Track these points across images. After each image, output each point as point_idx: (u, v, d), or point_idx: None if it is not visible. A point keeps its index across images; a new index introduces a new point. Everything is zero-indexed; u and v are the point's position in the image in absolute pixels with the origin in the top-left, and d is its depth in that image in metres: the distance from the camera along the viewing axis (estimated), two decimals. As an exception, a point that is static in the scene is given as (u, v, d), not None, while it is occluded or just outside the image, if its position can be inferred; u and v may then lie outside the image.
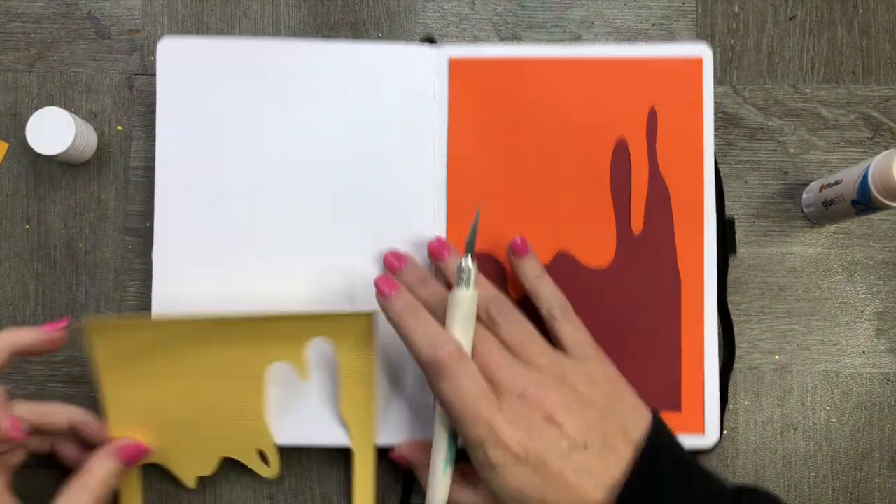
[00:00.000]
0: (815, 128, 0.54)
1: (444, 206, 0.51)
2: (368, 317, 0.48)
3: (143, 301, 0.53)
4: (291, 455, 0.52)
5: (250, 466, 0.51)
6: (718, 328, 0.52)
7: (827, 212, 0.50)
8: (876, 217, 0.53)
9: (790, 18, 0.54)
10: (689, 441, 0.49)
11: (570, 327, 0.46)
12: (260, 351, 0.49)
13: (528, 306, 0.48)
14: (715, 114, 0.54)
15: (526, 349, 0.44)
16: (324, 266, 0.51)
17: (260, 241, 0.51)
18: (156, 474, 0.52)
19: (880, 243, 0.53)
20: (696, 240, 0.51)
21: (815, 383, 0.52)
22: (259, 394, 0.50)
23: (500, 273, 0.51)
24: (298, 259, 0.51)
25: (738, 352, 0.53)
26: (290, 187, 0.51)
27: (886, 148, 0.53)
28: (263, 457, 0.51)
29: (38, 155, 0.52)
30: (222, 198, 0.51)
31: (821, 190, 0.50)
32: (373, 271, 0.51)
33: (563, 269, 0.51)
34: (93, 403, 0.53)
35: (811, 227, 0.53)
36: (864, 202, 0.46)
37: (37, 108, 0.51)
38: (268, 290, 0.51)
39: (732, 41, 0.54)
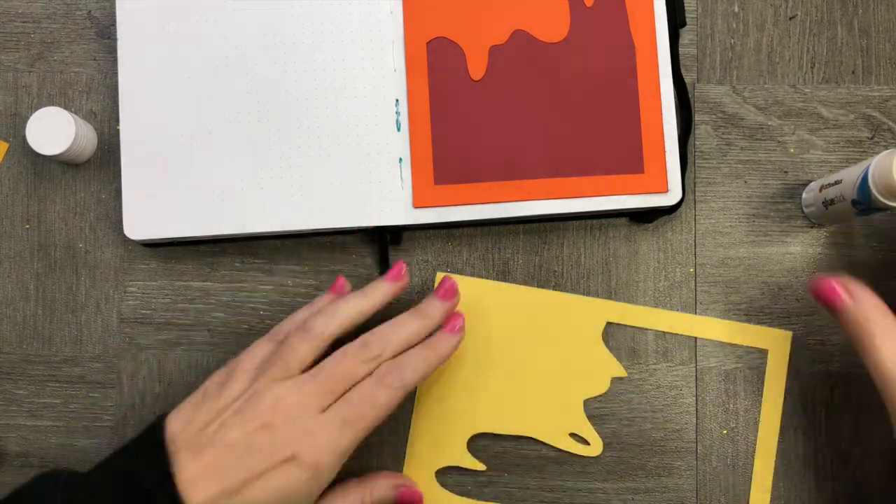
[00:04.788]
0: (815, 128, 0.54)
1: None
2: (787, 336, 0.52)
3: (144, 301, 0.53)
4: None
5: (564, 448, 0.52)
6: (675, 96, 0.52)
7: (827, 212, 0.50)
8: (876, 217, 0.53)
9: (790, 18, 0.54)
10: (653, 200, 0.51)
11: None
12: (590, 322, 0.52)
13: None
14: (715, 114, 0.54)
15: None
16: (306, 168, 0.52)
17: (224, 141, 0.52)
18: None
19: (880, 243, 0.53)
20: (646, 10, 0.53)
21: (815, 383, 0.52)
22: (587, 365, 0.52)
23: (457, 57, 0.52)
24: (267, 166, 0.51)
25: (738, 352, 0.53)
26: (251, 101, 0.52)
27: (886, 148, 0.53)
28: (577, 437, 0.52)
29: (38, 155, 0.52)
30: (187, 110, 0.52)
31: (820, 190, 0.50)
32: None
33: (520, 46, 0.52)
34: (92, 403, 0.53)
35: (811, 227, 0.53)
36: (863, 202, 0.46)
37: (37, 108, 0.51)
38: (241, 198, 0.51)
39: (732, 41, 0.54)
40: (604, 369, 0.52)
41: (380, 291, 0.48)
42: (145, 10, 0.52)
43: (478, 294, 0.53)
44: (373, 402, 0.44)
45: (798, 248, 0.53)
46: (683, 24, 0.54)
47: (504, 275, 0.53)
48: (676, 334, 0.52)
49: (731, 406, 0.52)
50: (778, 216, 0.53)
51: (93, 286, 0.54)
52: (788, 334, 0.52)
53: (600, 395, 0.52)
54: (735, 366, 0.53)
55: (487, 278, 0.53)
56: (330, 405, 0.44)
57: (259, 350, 0.47)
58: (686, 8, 0.54)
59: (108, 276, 0.54)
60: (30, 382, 0.53)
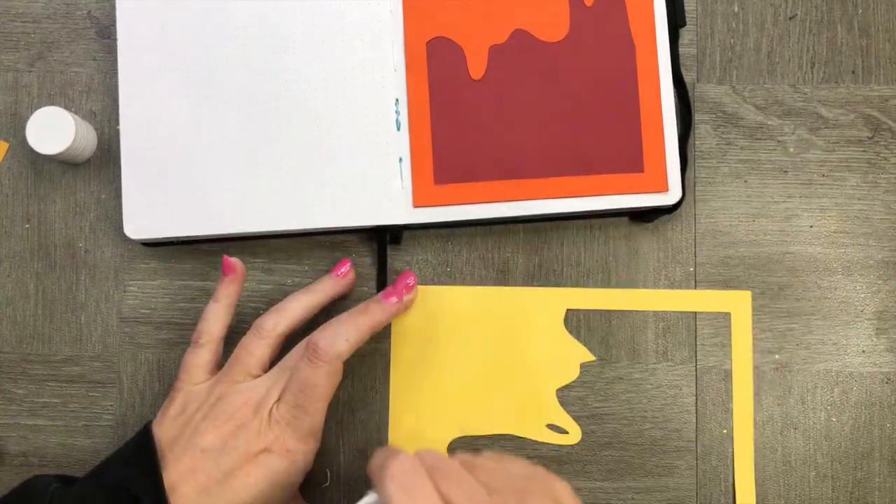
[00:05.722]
0: (815, 127, 0.54)
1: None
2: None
3: (144, 301, 0.53)
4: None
5: (544, 441, 0.52)
6: (675, 96, 0.52)
7: None
8: (876, 217, 0.53)
9: (790, 18, 0.54)
10: (653, 200, 0.51)
11: None
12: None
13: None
14: (714, 113, 0.54)
15: None
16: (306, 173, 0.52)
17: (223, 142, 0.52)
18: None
19: (880, 243, 0.53)
20: (646, 9, 0.52)
21: (814, 383, 0.52)
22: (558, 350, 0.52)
23: (457, 56, 0.52)
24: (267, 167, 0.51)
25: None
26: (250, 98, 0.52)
27: (887, 147, 0.53)
28: (555, 427, 0.52)
29: (38, 155, 0.52)
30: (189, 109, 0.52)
31: None
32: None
33: (520, 45, 0.52)
34: (92, 402, 0.53)
35: (811, 227, 0.53)
36: None
37: (37, 108, 0.51)
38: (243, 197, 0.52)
39: (732, 41, 0.54)
40: (571, 356, 0.52)
41: (327, 286, 0.51)
42: (145, 9, 0.52)
43: (437, 300, 0.53)
44: (313, 384, 0.45)
45: (798, 248, 0.53)
46: (683, 24, 0.54)
47: (504, 274, 0.53)
48: (637, 311, 0.53)
49: (732, 406, 0.52)
50: (777, 216, 0.53)
51: (93, 286, 0.54)
52: (747, 294, 0.53)
53: (572, 382, 0.52)
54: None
55: (487, 278, 0.53)
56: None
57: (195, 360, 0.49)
58: (686, 8, 0.54)
59: (108, 276, 0.54)
60: (30, 382, 0.53)
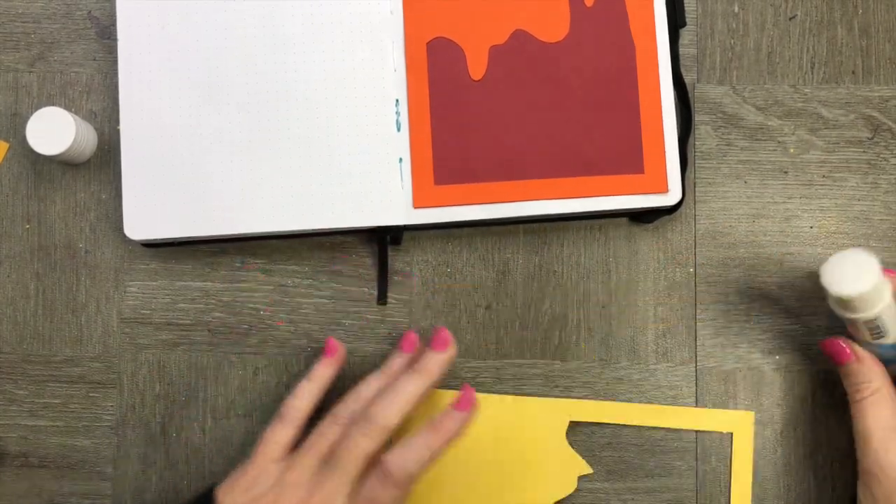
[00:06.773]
0: (815, 128, 0.54)
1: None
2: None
3: (144, 301, 0.53)
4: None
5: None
6: (675, 97, 0.52)
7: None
8: (876, 217, 0.53)
9: (790, 18, 0.54)
10: (653, 201, 0.51)
11: None
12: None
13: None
14: (715, 114, 0.54)
15: None
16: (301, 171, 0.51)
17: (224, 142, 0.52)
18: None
19: (880, 243, 0.53)
20: (646, 10, 0.52)
21: (815, 384, 0.52)
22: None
23: (457, 57, 0.52)
24: (265, 163, 0.51)
25: (738, 352, 0.53)
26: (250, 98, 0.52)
27: (886, 148, 0.53)
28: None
29: (38, 155, 0.52)
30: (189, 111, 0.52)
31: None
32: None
33: (520, 46, 0.52)
34: (92, 403, 0.53)
35: (811, 228, 0.53)
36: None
37: (37, 108, 0.51)
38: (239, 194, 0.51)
39: (732, 41, 0.54)
40: (570, 469, 0.52)
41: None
42: (145, 10, 0.52)
43: (441, 406, 0.50)
44: (383, 502, 0.45)
45: (798, 248, 0.53)
46: (683, 24, 0.54)
47: (504, 275, 0.53)
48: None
49: (731, 406, 0.52)
50: (777, 216, 0.53)
51: (93, 286, 0.54)
52: (751, 415, 0.52)
53: (568, 496, 0.52)
54: (735, 365, 0.53)
55: (487, 278, 0.53)
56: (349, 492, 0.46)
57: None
58: (686, 8, 0.54)
59: (108, 276, 0.54)
60: (30, 382, 0.53)
